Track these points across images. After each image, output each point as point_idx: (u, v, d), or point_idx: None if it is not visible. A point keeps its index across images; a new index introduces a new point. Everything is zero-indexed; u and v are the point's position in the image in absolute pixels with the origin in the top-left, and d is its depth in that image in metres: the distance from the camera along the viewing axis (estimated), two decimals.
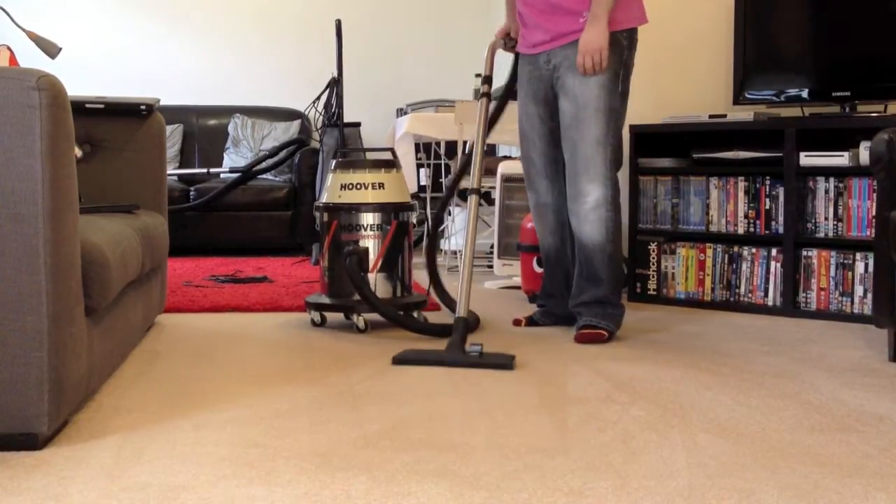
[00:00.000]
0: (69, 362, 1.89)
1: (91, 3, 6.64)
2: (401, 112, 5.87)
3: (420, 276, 4.26)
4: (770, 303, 3.68)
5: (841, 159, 3.53)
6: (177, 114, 6.34)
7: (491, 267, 4.86)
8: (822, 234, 3.59)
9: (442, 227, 5.48)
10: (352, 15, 6.21)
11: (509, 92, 3.37)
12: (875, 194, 3.07)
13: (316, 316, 3.33)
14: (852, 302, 3.50)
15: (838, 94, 3.72)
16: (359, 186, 3.23)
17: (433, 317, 3.40)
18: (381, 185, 3.25)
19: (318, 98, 5.46)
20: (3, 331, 1.80)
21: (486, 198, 5.25)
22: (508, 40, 3.37)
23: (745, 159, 3.76)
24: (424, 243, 5.44)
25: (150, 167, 3.25)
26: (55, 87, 1.83)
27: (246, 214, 5.89)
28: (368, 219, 3.22)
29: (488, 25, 6.64)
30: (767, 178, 3.71)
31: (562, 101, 3.11)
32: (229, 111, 6.54)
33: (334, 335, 3.19)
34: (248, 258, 5.56)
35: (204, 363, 2.71)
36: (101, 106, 3.13)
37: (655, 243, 3.97)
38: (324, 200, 3.32)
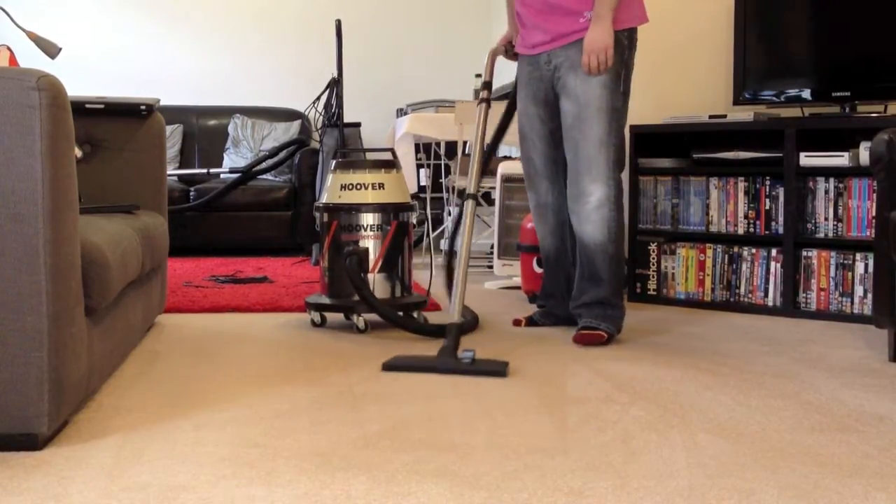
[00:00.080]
0: (69, 362, 1.89)
1: (91, 3, 6.64)
2: (401, 112, 5.88)
3: (420, 277, 4.26)
4: (770, 303, 3.68)
5: (841, 159, 3.53)
6: (177, 114, 6.34)
7: (491, 267, 4.86)
8: (822, 235, 3.59)
9: (442, 227, 5.48)
10: (352, 15, 6.21)
11: (512, 108, 3.35)
12: (875, 194, 3.07)
13: (316, 316, 3.33)
14: (852, 302, 3.50)
15: (838, 94, 3.72)
16: (359, 187, 3.23)
17: (433, 317, 3.40)
18: (381, 186, 3.25)
19: (318, 98, 5.46)
20: (3, 331, 1.80)
21: (487, 198, 5.25)
22: (510, 48, 3.36)
23: (745, 159, 3.76)
24: (424, 243, 5.46)
25: (150, 167, 3.25)
26: (55, 87, 1.83)
27: (246, 215, 5.89)
28: (368, 219, 3.22)
29: (488, 26, 6.65)
30: (767, 178, 3.71)
31: (563, 102, 3.10)
32: (229, 111, 6.54)
33: (334, 335, 3.19)
34: (248, 258, 5.56)
35: (204, 363, 2.71)
36: (101, 106, 3.13)
37: (655, 243, 3.97)
38: (324, 201, 3.32)
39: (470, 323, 3.24)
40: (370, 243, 3.22)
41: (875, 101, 3.69)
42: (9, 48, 4.09)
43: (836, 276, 3.53)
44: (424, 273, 4.46)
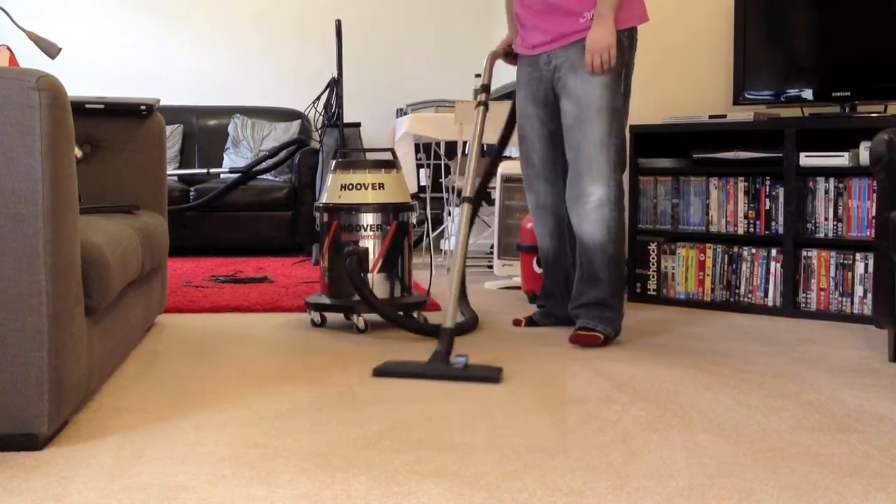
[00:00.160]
0: (69, 362, 1.89)
1: (91, 3, 6.64)
2: (401, 112, 5.88)
3: (420, 277, 4.26)
4: (770, 303, 3.68)
5: (841, 159, 3.53)
6: (177, 114, 6.34)
7: (491, 267, 4.86)
8: (821, 235, 3.59)
9: (442, 228, 5.48)
10: (352, 15, 6.21)
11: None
12: (875, 194, 3.07)
13: (316, 316, 3.33)
14: (852, 302, 3.50)
15: (838, 94, 3.72)
16: (359, 187, 3.23)
17: (433, 317, 3.40)
18: (381, 186, 3.25)
19: (318, 98, 5.46)
20: (3, 331, 1.80)
21: (486, 198, 5.25)
22: (510, 51, 3.34)
23: (745, 159, 3.76)
24: (424, 243, 5.46)
25: (150, 167, 3.25)
26: (55, 87, 1.83)
27: (246, 214, 5.90)
28: (368, 219, 3.22)
29: (488, 26, 6.65)
30: (767, 178, 3.71)
31: (563, 102, 3.09)
32: (229, 111, 6.54)
33: (334, 335, 3.19)
34: (248, 258, 5.56)
35: (204, 363, 2.71)
36: (101, 106, 3.13)
37: (655, 243, 3.97)
38: (324, 201, 3.32)
39: (470, 323, 3.24)
40: (370, 243, 3.22)
41: (875, 101, 3.69)
42: (9, 48, 4.09)
43: (836, 276, 3.53)
44: (424, 273, 4.47)
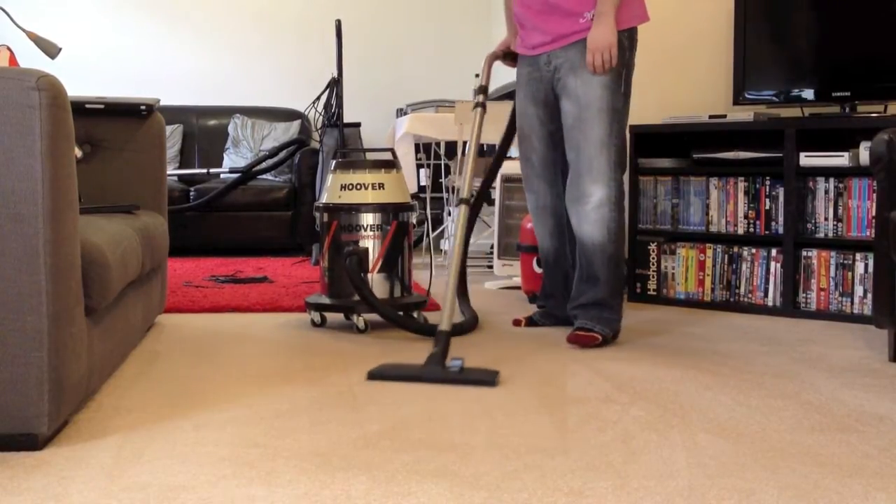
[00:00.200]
0: (69, 362, 1.89)
1: (91, 3, 6.64)
2: (401, 112, 5.88)
3: (420, 277, 4.26)
4: (770, 303, 3.68)
5: (841, 159, 3.53)
6: (177, 114, 6.34)
7: (491, 267, 4.86)
8: (821, 235, 3.59)
9: (442, 228, 5.48)
10: (352, 15, 6.21)
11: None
12: (875, 194, 3.07)
13: (316, 316, 3.33)
14: (852, 302, 3.50)
15: (838, 94, 3.72)
16: (359, 187, 3.23)
17: (433, 317, 3.39)
18: (381, 186, 3.25)
19: (318, 98, 5.46)
20: (3, 331, 1.80)
21: (487, 198, 5.25)
22: (509, 52, 3.32)
23: (745, 159, 3.76)
24: (424, 243, 5.46)
25: (150, 167, 3.25)
26: (55, 87, 1.83)
27: (246, 214, 5.90)
28: (368, 219, 3.22)
29: (488, 26, 6.65)
30: (767, 178, 3.71)
31: (563, 103, 3.08)
32: (229, 111, 6.54)
33: (334, 335, 3.19)
34: (248, 258, 5.56)
35: (204, 363, 2.71)
36: (101, 106, 3.13)
37: (655, 243, 3.97)
38: (324, 201, 3.32)
39: (470, 323, 3.24)
40: (370, 243, 3.22)
41: (875, 101, 3.69)
42: (9, 48, 4.09)
43: (836, 276, 3.53)
44: (424, 273, 4.46)
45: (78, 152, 3.04)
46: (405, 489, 1.64)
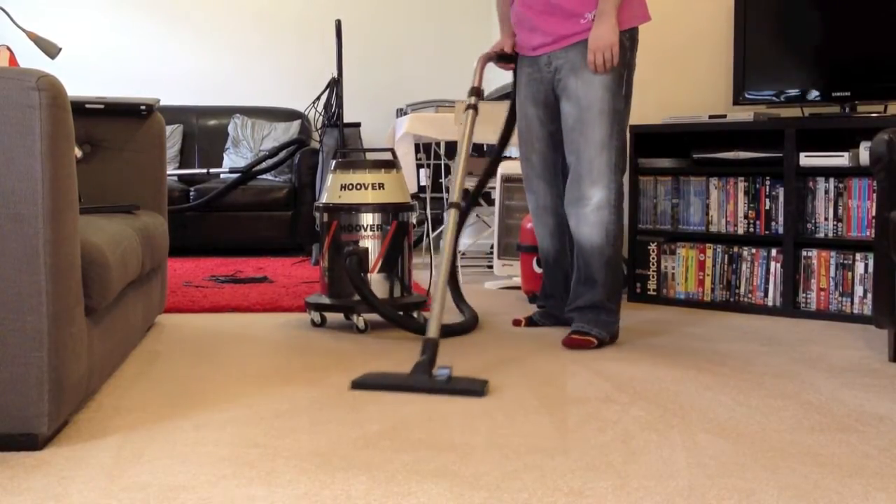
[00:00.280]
0: (69, 362, 1.89)
1: (91, 3, 6.64)
2: (401, 112, 5.87)
3: (420, 277, 4.26)
4: (770, 303, 3.68)
5: (841, 159, 3.53)
6: (177, 114, 6.34)
7: (491, 267, 4.86)
8: (822, 235, 3.59)
9: (442, 228, 5.48)
10: (352, 15, 6.21)
11: (515, 108, 3.29)
12: (875, 194, 3.07)
13: (316, 316, 3.33)
14: (852, 302, 3.50)
15: (838, 94, 3.72)
16: (359, 187, 3.23)
17: None
18: (381, 186, 3.25)
19: (318, 98, 5.46)
20: (3, 331, 1.80)
21: (487, 198, 5.25)
22: (503, 55, 3.26)
23: (745, 159, 3.76)
24: (424, 243, 5.46)
25: (150, 167, 3.25)
26: (55, 87, 1.83)
27: (246, 214, 5.90)
28: (368, 219, 3.22)
29: (488, 26, 6.64)
30: (767, 178, 3.71)
31: (564, 104, 3.07)
32: (229, 111, 6.54)
33: (334, 335, 3.19)
34: (248, 258, 5.56)
35: (204, 363, 2.71)
36: (101, 106, 3.13)
37: (655, 243, 3.97)
38: (324, 201, 3.32)
39: (470, 322, 3.24)
40: (370, 243, 3.22)
41: (875, 101, 3.69)
42: (9, 48, 4.09)
43: (836, 276, 3.53)
44: (424, 273, 4.46)
45: (78, 152, 3.04)
46: (405, 489, 1.64)
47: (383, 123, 6.22)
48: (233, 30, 6.76)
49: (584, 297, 3.06)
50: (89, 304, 2.02)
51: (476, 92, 3.12)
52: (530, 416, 2.13)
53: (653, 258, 3.97)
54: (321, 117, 5.54)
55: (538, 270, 3.71)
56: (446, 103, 5.53)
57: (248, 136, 6.37)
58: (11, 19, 4.01)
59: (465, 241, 5.70)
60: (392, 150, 3.43)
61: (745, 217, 3.77)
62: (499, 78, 4.24)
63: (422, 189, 5.34)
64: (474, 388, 2.34)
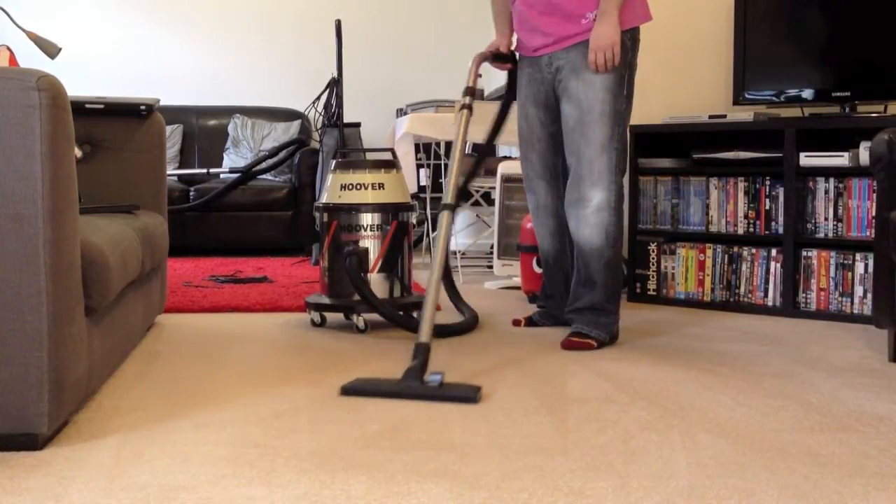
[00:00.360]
0: (69, 362, 1.89)
1: (91, 3, 6.64)
2: (401, 112, 5.87)
3: (420, 277, 4.26)
4: (770, 303, 3.68)
5: (841, 159, 3.53)
6: (177, 114, 6.34)
7: (491, 267, 4.86)
8: (821, 235, 3.59)
9: None
10: (352, 15, 6.20)
11: (507, 109, 3.26)
12: (875, 194, 3.07)
13: (316, 316, 3.33)
14: (852, 302, 3.50)
15: (838, 94, 3.72)
16: (359, 187, 3.23)
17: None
18: (381, 186, 3.25)
19: (318, 98, 5.46)
20: (3, 331, 1.80)
21: (487, 198, 5.25)
22: (499, 55, 3.24)
23: (745, 159, 3.76)
24: (424, 243, 5.46)
25: (150, 167, 3.25)
26: (55, 87, 1.83)
27: (246, 214, 5.90)
28: (368, 219, 3.22)
29: (488, 26, 6.63)
30: (767, 178, 3.71)
31: (564, 105, 3.05)
32: (229, 111, 6.54)
33: (334, 335, 3.19)
34: (248, 258, 5.56)
35: (204, 363, 2.71)
36: (101, 106, 3.13)
37: (655, 243, 3.97)
38: (324, 201, 3.32)
39: (470, 322, 3.24)
40: (370, 243, 3.22)
41: (875, 101, 3.69)
42: (9, 48, 4.09)
43: (836, 276, 3.53)
44: (424, 273, 4.46)
45: (78, 152, 3.04)
46: (405, 489, 1.64)
47: (383, 123, 6.22)
48: (233, 30, 6.76)
49: (583, 299, 3.05)
50: (89, 304, 2.02)
51: (470, 91, 3.07)
52: (530, 416, 2.13)
53: (653, 258, 3.97)
54: (321, 117, 5.54)
55: (538, 270, 3.71)
56: (446, 103, 5.53)
57: (248, 136, 6.37)
58: (11, 19, 4.01)
59: (465, 241, 5.70)
60: (392, 150, 3.43)
61: (745, 217, 3.77)
62: (501, 77, 4.22)
63: (422, 189, 5.34)
64: (467, 395, 2.28)
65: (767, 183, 3.71)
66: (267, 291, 4.11)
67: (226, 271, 4.82)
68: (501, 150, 5.88)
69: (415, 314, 3.29)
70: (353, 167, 3.27)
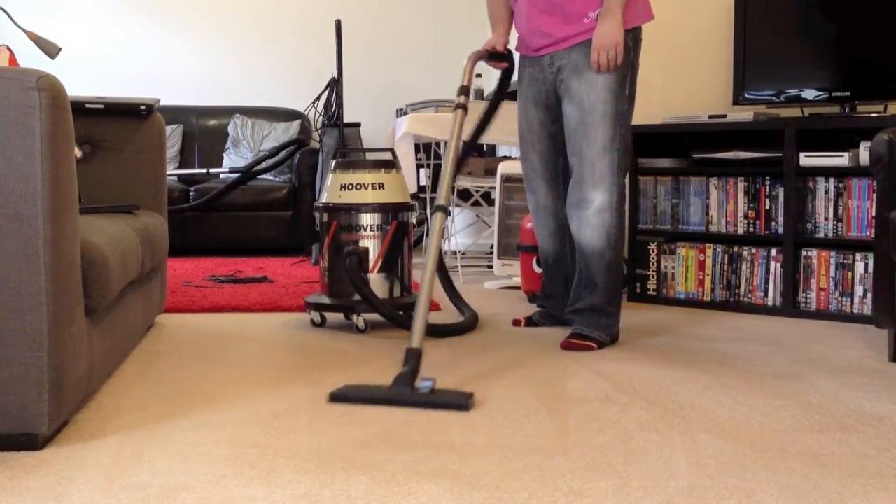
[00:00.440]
0: (69, 362, 1.89)
1: (91, 3, 6.64)
2: (401, 112, 5.87)
3: (420, 277, 4.25)
4: (770, 303, 3.68)
5: (841, 159, 3.53)
6: (177, 114, 6.34)
7: (491, 267, 4.86)
8: (821, 235, 3.59)
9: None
10: (352, 15, 6.21)
11: (495, 107, 3.24)
12: (875, 194, 3.07)
13: (316, 316, 3.33)
14: (852, 302, 3.50)
15: (838, 94, 3.72)
16: (359, 187, 3.23)
17: (433, 317, 3.39)
18: (381, 186, 3.25)
19: (318, 98, 5.46)
20: (3, 331, 1.80)
21: (487, 198, 5.25)
22: (495, 54, 3.21)
23: (745, 159, 3.76)
24: (424, 243, 5.45)
25: (150, 167, 3.25)
26: (55, 87, 1.83)
27: (246, 214, 5.90)
28: (368, 219, 3.22)
29: (488, 25, 6.64)
30: (767, 178, 3.71)
31: (566, 106, 3.04)
32: (229, 111, 6.54)
33: (334, 335, 3.19)
34: (248, 258, 5.56)
35: (204, 363, 2.71)
36: (101, 106, 3.13)
37: (655, 243, 3.97)
38: (324, 201, 3.32)
39: (469, 322, 3.24)
40: (370, 243, 3.22)
41: (875, 101, 3.69)
42: (9, 48, 4.09)
43: (836, 276, 3.53)
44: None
45: (78, 152, 3.04)
46: (405, 489, 1.64)
47: (383, 123, 6.22)
48: (233, 30, 6.76)
49: (584, 300, 3.04)
50: (89, 304, 2.02)
51: (465, 90, 2.99)
52: (530, 416, 2.13)
53: (653, 258, 3.97)
54: (321, 117, 5.54)
55: (538, 270, 3.71)
56: (446, 103, 5.53)
57: (248, 136, 6.37)
58: (11, 19, 4.01)
59: (465, 241, 5.70)
60: (392, 150, 3.43)
61: (745, 217, 3.77)
62: (495, 78, 4.21)
63: (422, 189, 5.34)
64: (458, 402, 2.22)
65: (767, 183, 3.71)
66: (267, 291, 4.11)
67: (226, 271, 4.82)
68: (501, 150, 5.89)
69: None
70: (353, 167, 3.27)
